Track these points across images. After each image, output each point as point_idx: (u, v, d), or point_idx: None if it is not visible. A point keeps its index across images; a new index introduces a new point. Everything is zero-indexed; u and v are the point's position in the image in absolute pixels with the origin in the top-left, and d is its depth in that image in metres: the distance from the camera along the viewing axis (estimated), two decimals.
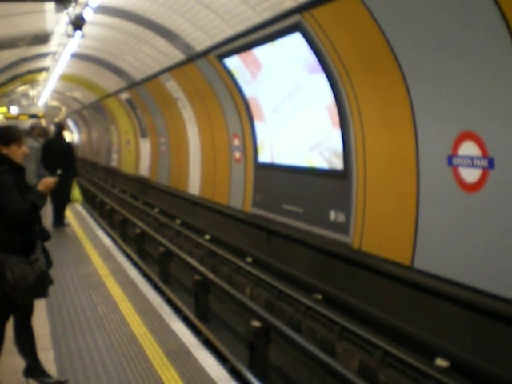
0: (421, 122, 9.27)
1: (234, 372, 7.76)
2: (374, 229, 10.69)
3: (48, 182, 5.38)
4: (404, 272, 9.60)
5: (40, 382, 5.52)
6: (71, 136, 54.92)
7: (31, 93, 33.05)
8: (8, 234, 5.11)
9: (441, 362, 7.81)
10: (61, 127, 15.26)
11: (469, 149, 8.33)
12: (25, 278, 5.07)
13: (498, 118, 7.82)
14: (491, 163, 7.97)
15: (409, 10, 8.72)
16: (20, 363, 5.59)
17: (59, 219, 14.64)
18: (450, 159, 8.69)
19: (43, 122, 49.20)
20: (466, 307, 8.36)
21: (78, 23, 14.21)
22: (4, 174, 5.14)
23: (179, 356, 6.41)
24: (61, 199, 14.31)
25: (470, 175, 8.35)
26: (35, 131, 17.44)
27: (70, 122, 53.37)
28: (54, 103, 40.83)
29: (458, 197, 8.62)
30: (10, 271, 5.05)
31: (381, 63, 9.76)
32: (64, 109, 36.10)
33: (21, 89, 35.69)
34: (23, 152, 5.40)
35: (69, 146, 14.96)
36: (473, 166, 8.29)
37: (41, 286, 5.26)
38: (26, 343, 5.52)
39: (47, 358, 6.10)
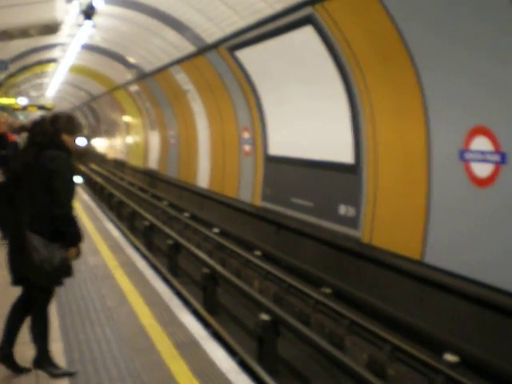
0: (433, 117, 9.21)
1: (242, 365, 7.73)
2: (385, 223, 10.64)
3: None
4: (414, 267, 9.55)
5: (49, 373, 5.50)
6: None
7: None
8: (45, 219, 5.23)
9: (450, 357, 7.75)
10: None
11: (481, 143, 8.28)
12: (50, 260, 5.13)
13: (511, 113, 7.75)
14: (503, 158, 7.91)
15: (421, 2, 8.67)
16: (30, 353, 5.57)
17: None
18: (461, 154, 8.63)
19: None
20: (476, 302, 8.32)
21: (88, 12, 14.20)
22: (66, 160, 5.35)
23: (188, 348, 6.38)
24: None
25: (482, 170, 8.30)
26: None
27: (79, 114, 53.38)
28: None
29: (469, 192, 8.57)
30: (36, 252, 5.08)
31: (393, 57, 9.70)
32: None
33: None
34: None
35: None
36: (485, 160, 8.23)
37: (63, 272, 5.29)
38: (40, 331, 5.51)
39: (56, 350, 6.06)
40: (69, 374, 5.59)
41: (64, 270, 5.29)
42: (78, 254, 5.50)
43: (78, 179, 16.81)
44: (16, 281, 5.45)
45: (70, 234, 5.33)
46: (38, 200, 5.25)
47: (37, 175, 5.25)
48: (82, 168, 37.58)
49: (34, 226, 5.18)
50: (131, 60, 23.92)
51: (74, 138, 5.57)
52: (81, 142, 47.47)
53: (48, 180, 5.21)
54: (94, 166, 41.97)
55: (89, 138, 50.22)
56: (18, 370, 5.57)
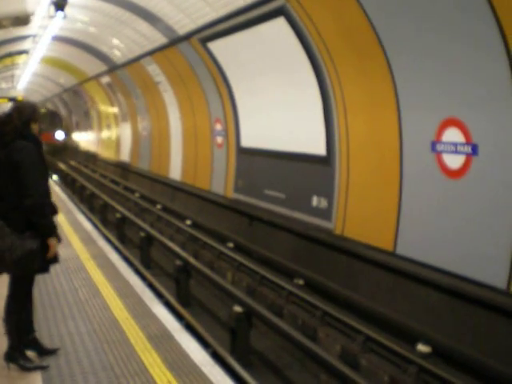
0: (405, 108, 9.24)
1: (215, 357, 7.73)
2: (357, 215, 10.68)
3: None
4: (386, 258, 9.60)
5: (20, 367, 5.47)
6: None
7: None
8: (15, 212, 5.21)
9: (422, 348, 7.82)
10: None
11: (452, 135, 8.33)
12: (12, 250, 5.09)
13: (483, 105, 7.81)
14: (475, 150, 7.97)
15: None
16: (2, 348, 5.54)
17: None
18: (433, 145, 8.69)
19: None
20: (446, 292, 8.39)
21: (59, 3, 14.04)
22: (33, 151, 5.32)
23: (162, 341, 6.37)
24: None
25: (454, 161, 8.35)
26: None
27: (50, 106, 52.79)
28: None
29: (440, 183, 8.63)
30: (1, 239, 5.05)
31: (366, 49, 9.71)
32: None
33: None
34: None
35: None
36: (456, 152, 8.29)
37: (28, 263, 5.22)
38: (15, 323, 5.48)
39: None
40: (41, 368, 5.56)
41: (26, 265, 5.23)
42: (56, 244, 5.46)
43: (52, 176, 16.73)
44: None
45: (42, 226, 5.26)
46: (9, 194, 5.20)
47: (6, 168, 5.20)
48: (62, 166, 36.56)
49: (3, 218, 5.14)
50: (103, 51, 23.70)
51: (39, 125, 5.57)
52: (59, 135, 46.68)
53: (16, 172, 5.15)
54: (66, 160, 41.60)
55: (67, 132, 48.61)
56: (44, 352, 5.79)
